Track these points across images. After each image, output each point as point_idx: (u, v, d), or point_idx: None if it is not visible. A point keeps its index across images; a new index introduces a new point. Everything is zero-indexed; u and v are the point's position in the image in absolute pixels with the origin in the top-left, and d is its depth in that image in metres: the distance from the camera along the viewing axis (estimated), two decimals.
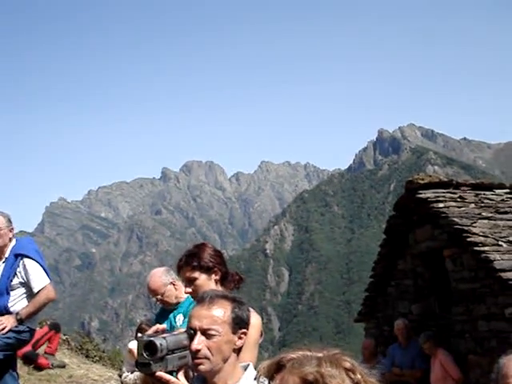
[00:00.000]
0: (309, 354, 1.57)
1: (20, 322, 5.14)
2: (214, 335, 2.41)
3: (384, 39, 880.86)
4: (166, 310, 4.72)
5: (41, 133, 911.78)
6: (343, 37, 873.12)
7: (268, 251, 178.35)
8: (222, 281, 3.55)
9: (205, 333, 2.42)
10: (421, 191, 8.65)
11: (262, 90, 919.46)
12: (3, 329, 5.06)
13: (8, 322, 5.11)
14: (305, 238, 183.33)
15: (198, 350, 2.39)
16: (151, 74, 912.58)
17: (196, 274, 3.47)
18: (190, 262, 3.50)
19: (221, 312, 2.47)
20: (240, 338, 2.51)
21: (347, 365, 1.54)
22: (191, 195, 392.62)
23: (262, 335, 3.18)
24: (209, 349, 2.41)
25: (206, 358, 2.41)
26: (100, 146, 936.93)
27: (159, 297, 4.62)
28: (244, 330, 2.52)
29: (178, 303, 4.64)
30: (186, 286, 3.53)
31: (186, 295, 4.55)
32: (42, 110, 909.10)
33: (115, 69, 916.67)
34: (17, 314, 5.16)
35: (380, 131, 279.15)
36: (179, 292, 4.61)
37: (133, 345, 6.57)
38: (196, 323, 2.44)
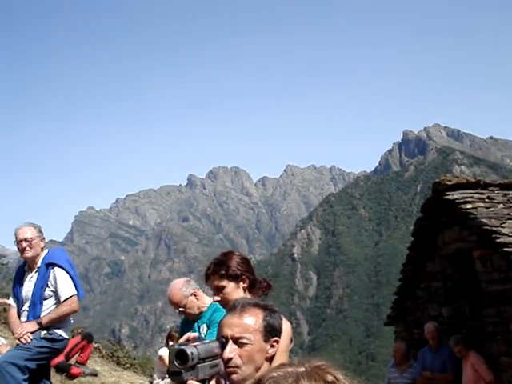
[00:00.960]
0: (289, 370, 1.55)
1: (40, 326, 5.21)
2: (246, 344, 2.40)
3: (406, 39, 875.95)
4: (190, 320, 4.76)
5: (68, 142, 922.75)
6: (365, 38, 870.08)
7: (295, 255, 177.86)
8: (250, 288, 3.54)
9: (236, 341, 2.40)
10: (448, 192, 8.59)
11: (286, 93, 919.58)
12: (26, 334, 5.15)
13: (27, 326, 5.21)
14: (332, 242, 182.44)
15: (230, 359, 2.38)
16: (175, 82, 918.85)
17: (224, 283, 3.47)
18: (217, 271, 3.49)
19: (252, 320, 2.45)
20: (272, 346, 2.49)
21: (329, 378, 1.51)
22: (218, 201, 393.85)
23: (292, 341, 3.16)
24: (241, 357, 2.39)
25: (238, 366, 2.39)
26: (126, 155, 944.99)
27: (181, 309, 4.65)
28: (276, 338, 2.51)
29: (200, 313, 4.67)
30: (214, 295, 3.53)
31: (209, 304, 4.65)
32: (69, 119, 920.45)
33: (139, 77, 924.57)
34: (38, 317, 5.25)
35: (405, 132, 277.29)
36: (201, 302, 4.67)
37: (163, 352, 6.62)
38: (228, 331, 2.43)
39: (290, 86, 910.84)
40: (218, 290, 3.49)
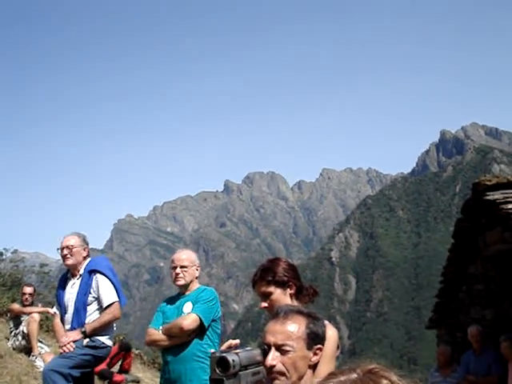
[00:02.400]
0: (342, 379, 1.50)
1: (84, 335, 5.29)
2: (289, 351, 2.38)
3: (441, 37, 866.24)
4: (174, 298, 4.98)
5: (105, 151, 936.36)
6: (401, 37, 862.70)
7: (334, 259, 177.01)
8: (297, 295, 3.52)
9: (279, 348, 2.39)
10: (488, 193, 8.44)
11: (320, 96, 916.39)
12: (69, 343, 5.26)
13: (72, 335, 5.30)
14: (370, 245, 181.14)
15: (273, 366, 2.36)
16: (209, 88, 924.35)
17: (271, 289, 3.44)
18: (264, 277, 3.47)
19: (295, 327, 2.43)
20: (315, 353, 2.47)
21: (384, 382, 1.47)
22: (254, 206, 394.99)
23: (338, 348, 3.15)
24: (283, 365, 2.37)
25: (281, 373, 2.37)
26: (163, 162, 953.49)
27: (180, 269, 4.83)
28: (319, 346, 2.49)
29: (186, 289, 4.88)
30: (261, 301, 3.50)
31: (197, 286, 4.91)
32: (107, 129, 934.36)
33: (173, 84, 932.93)
34: (82, 327, 5.33)
35: (442, 132, 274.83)
36: (195, 281, 4.93)
37: None
38: (270, 338, 2.41)
39: (324, 87, 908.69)
40: (265, 297, 3.46)
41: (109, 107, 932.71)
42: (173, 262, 4.89)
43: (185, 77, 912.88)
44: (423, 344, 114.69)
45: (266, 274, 3.48)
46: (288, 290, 3.48)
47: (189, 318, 4.63)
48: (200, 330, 4.67)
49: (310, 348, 2.45)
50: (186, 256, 4.89)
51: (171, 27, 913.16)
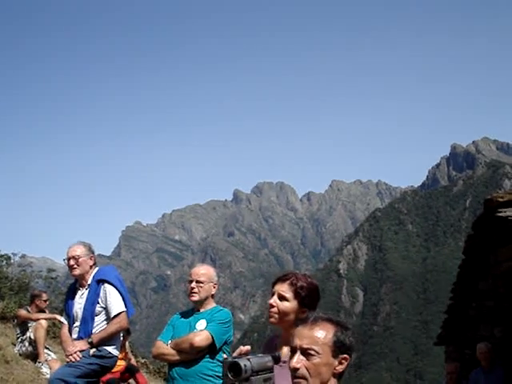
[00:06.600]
0: None
1: (91, 345, 5.28)
2: (313, 355, 2.41)
3: (453, 50, 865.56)
4: (187, 313, 4.84)
5: (115, 158, 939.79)
6: (413, 49, 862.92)
7: (341, 271, 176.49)
8: (298, 321, 3.32)
9: (304, 352, 2.43)
10: (501, 209, 8.37)
11: (329, 107, 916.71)
12: (76, 353, 5.24)
13: (79, 345, 5.29)
14: (379, 258, 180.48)
15: (297, 369, 2.41)
16: (220, 96, 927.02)
17: (288, 295, 3.26)
18: (295, 284, 3.29)
19: (322, 334, 2.46)
20: (341, 362, 2.48)
21: None
22: (263, 216, 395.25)
23: None
24: (307, 369, 2.41)
25: (304, 378, 2.41)
26: (173, 170, 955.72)
27: (196, 284, 4.73)
28: (346, 356, 2.50)
29: (201, 306, 4.75)
30: (270, 298, 3.32)
31: (213, 305, 4.78)
32: (116, 136, 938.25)
33: (183, 92, 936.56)
34: (89, 337, 5.32)
35: (453, 146, 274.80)
36: (211, 299, 4.80)
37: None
38: (297, 342, 2.46)
39: (334, 98, 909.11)
40: (280, 298, 3.28)
41: (119, 114, 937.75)
42: (190, 275, 4.81)
43: (195, 84, 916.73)
44: (430, 359, 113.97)
45: (297, 281, 3.29)
46: (300, 313, 3.26)
47: (201, 334, 4.50)
48: (210, 351, 4.54)
49: (335, 356, 2.46)
50: (204, 271, 4.80)
51: (185, 30, 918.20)
